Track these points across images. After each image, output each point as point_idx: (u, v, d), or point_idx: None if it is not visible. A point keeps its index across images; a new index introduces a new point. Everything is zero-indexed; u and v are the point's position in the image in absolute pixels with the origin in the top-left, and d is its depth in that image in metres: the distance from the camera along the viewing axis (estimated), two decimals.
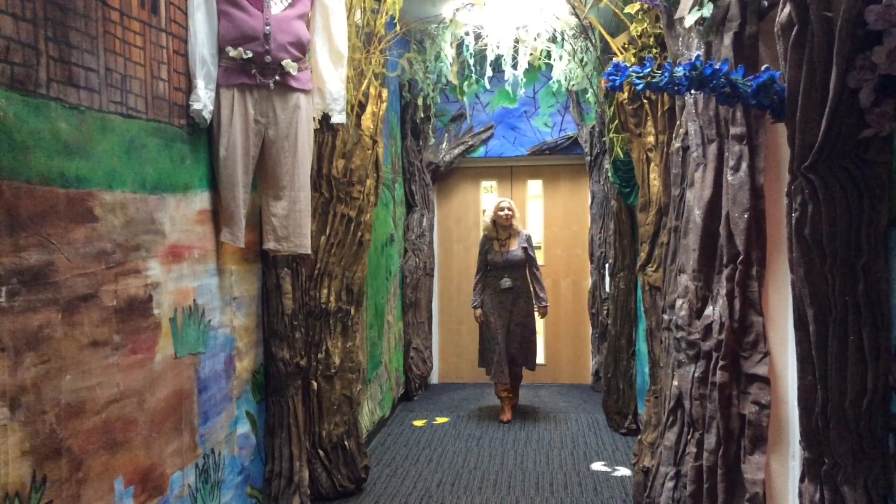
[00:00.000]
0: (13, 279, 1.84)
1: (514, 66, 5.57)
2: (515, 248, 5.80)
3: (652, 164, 3.70)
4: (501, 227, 5.82)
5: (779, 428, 2.47)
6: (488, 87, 6.00)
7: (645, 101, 3.67)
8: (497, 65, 5.72)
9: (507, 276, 5.75)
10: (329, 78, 3.46)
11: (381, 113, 4.26)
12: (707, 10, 2.46)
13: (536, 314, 5.91)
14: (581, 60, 5.13)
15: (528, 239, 5.88)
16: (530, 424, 5.78)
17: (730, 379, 2.52)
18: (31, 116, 1.92)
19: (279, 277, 3.56)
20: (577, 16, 4.61)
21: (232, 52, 2.95)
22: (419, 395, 6.81)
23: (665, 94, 2.32)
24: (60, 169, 2.04)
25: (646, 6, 3.35)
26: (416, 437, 5.49)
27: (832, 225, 1.71)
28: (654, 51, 3.48)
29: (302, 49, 3.17)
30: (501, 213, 5.78)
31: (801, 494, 1.92)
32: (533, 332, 5.95)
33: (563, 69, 5.47)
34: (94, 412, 2.19)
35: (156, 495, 2.56)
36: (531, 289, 5.90)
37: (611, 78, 2.12)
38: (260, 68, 3.02)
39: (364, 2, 3.95)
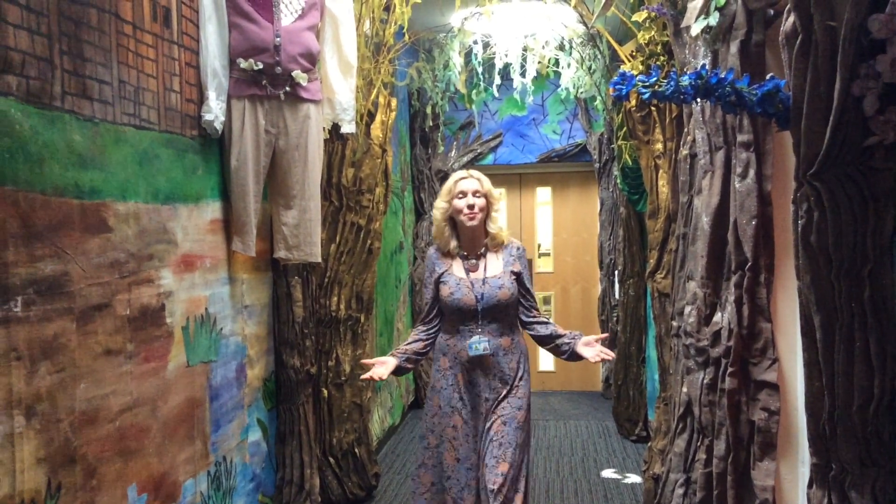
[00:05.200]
0: (29, 289, 1.87)
1: (523, 74, 5.59)
2: (498, 272, 2.94)
3: (660, 172, 3.71)
4: (467, 236, 2.98)
5: (788, 434, 2.47)
6: (497, 95, 6.02)
7: (653, 108, 3.68)
8: (505, 73, 5.74)
9: (479, 331, 2.90)
10: (339, 88, 3.49)
11: (390, 122, 4.28)
12: (713, 19, 2.47)
13: (586, 353, 2.84)
14: (589, 68, 5.14)
15: (521, 255, 3.01)
16: (540, 431, 5.77)
17: (739, 385, 2.52)
18: (46, 129, 1.95)
19: (290, 286, 3.59)
20: (584, 24, 4.63)
21: (243, 64, 2.98)
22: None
23: (671, 102, 2.33)
24: (75, 180, 2.07)
25: (653, 14, 3.36)
26: None
27: (838, 232, 1.72)
28: (662, 59, 3.49)
29: (312, 60, 3.20)
30: (461, 205, 2.92)
31: (809, 500, 1.92)
32: (525, 443, 2.92)
33: (572, 77, 5.48)
34: (107, 420, 2.21)
35: (168, 502, 2.58)
36: (537, 345, 3.13)
37: (617, 87, 2.13)
38: (270, 79, 3.05)
39: (373, 12, 3.98)
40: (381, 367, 2.87)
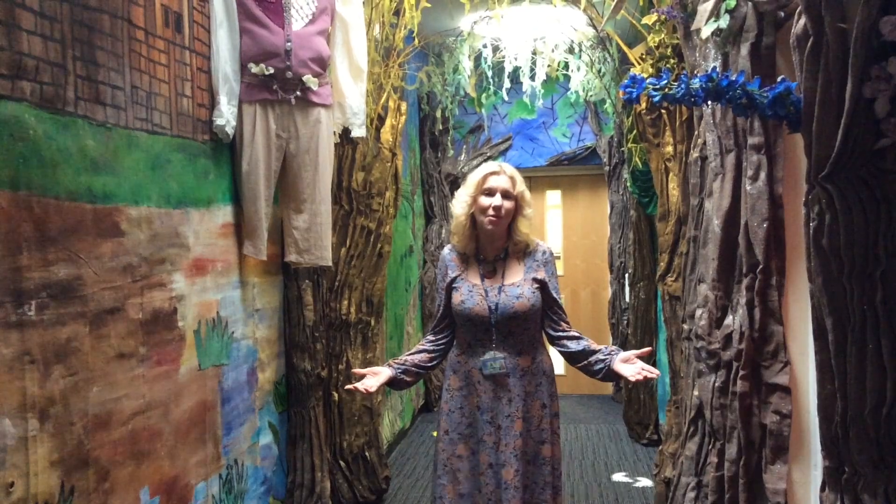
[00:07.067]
0: (42, 293, 1.89)
1: (532, 78, 5.59)
2: (518, 279, 2.58)
3: (670, 174, 3.71)
4: (486, 237, 2.61)
5: (800, 437, 2.46)
6: (506, 98, 6.03)
7: (663, 111, 3.68)
8: (515, 76, 5.74)
9: (494, 346, 2.56)
10: (349, 92, 3.50)
11: (400, 126, 4.29)
12: (724, 22, 2.47)
13: (625, 371, 2.41)
14: (599, 71, 5.14)
15: (548, 260, 2.63)
16: None
17: (750, 388, 2.51)
18: (59, 134, 1.97)
19: (300, 289, 3.60)
20: (594, 27, 4.63)
21: (254, 69, 2.99)
22: (439, 405, 6.80)
23: (682, 105, 2.33)
24: (88, 185, 2.08)
25: (663, 17, 3.36)
26: None
27: (850, 234, 1.71)
28: (672, 61, 3.49)
29: (322, 64, 3.21)
30: (485, 203, 2.52)
31: (821, 503, 1.91)
32: (553, 482, 2.60)
33: (581, 80, 5.48)
34: (120, 423, 2.22)
35: None
36: (567, 362, 2.64)
37: (627, 90, 2.13)
38: (281, 84, 3.06)
39: (383, 17, 4.00)
40: (372, 378, 2.50)
